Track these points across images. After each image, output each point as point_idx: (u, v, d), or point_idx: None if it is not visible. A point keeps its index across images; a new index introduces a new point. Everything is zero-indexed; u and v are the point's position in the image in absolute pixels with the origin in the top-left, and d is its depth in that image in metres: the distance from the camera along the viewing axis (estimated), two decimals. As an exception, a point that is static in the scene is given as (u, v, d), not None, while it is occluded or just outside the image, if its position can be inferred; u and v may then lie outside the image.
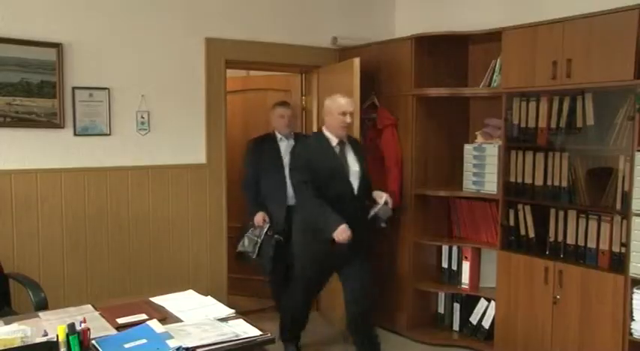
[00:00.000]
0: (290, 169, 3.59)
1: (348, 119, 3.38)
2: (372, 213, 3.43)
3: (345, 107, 3.38)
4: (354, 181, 3.39)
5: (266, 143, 4.18)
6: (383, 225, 3.51)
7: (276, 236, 3.95)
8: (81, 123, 3.58)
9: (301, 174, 3.36)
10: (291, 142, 4.19)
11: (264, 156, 4.12)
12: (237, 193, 4.26)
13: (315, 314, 4.51)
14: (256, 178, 4.10)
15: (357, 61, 3.88)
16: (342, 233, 3.20)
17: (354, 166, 3.43)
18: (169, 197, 3.94)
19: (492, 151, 3.73)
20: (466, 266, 4.00)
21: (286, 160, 3.95)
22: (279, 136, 4.19)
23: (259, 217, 4.02)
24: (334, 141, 3.42)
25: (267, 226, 3.99)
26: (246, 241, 4.01)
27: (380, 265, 4.30)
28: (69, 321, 2.05)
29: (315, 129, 4.59)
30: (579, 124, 3.26)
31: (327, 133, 3.44)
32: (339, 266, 3.47)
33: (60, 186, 3.55)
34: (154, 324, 2.22)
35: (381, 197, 3.44)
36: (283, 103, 4.28)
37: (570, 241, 3.30)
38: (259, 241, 3.96)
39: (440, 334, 4.10)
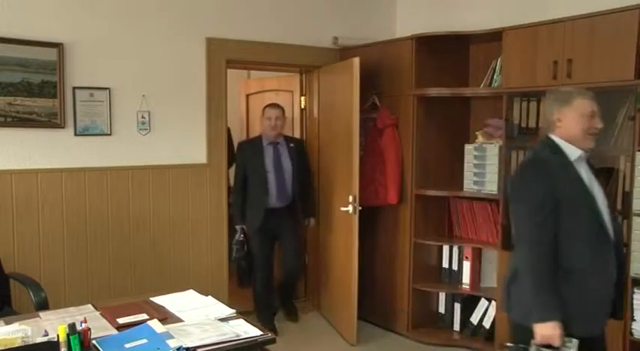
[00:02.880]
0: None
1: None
2: None
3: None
4: None
5: (251, 148, 4.17)
6: None
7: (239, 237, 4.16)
8: (81, 123, 3.59)
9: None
10: (283, 146, 4.19)
11: (249, 161, 4.12)
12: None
13: (316, 314, 4.52)
14: (243, 182, 4.14)
15: (356, 60, 3.88)
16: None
17: None
18: (170, 197, 3.94)
19: (493, 151, 3.73)
20: (467, 266, 4.00)
21: (270, 166, 4.09)
22: (264, 141, 4.15)
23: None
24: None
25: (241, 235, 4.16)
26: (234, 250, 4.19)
27: (380, 265, 4.31)
28: (69, 321, 2.06)
29: (316, 131, 4.60)
30: (580, 124, 3.26)
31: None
32: None
33: (60, 186, 3.55)
34: (155, 324, 2.22)
35: None
36: (273, 105, 4.22)
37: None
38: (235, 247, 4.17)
39: (440, 334, 4.10)
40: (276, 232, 4.17)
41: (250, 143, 4.27)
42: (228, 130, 4.66)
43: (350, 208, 3.90)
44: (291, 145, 4.24)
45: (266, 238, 4.14)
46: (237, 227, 4.15)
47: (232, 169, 4.40)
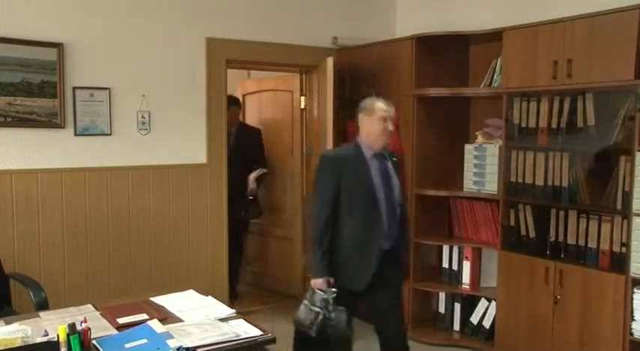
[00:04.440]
0: None
1: None
2: None
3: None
4: None
5: (351, 160, 3.20)
6: None
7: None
8: (81, 123, 3.59)
9: None
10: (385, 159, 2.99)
11: (347, 180, 3.02)
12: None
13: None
14: (334, 212, 2.87)
15: (330, 60, 3.92)
16: None
17: None
18: (170, 197, 3.94)
19: (493, 151, 3.73)
20: (467, 266, 4.00)
21: (380, 188, 2.86)
22: (366, 151, 2.90)
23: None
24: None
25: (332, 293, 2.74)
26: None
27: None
28: (69, 321, 2.06)
29: (315, 131, 4.60)
30: (580, 124, 3.26)
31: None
32: None
33: (60, 186, 3.55)
34: (155, 324, 2.22)
35: None
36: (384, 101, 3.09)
37: (571, 241, 3.30)
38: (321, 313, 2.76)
39: (440, 334, 4.10)
40: (371, 289, 2.86)
41: (347, 154, 2.93)
42: (260, 132, 4.85)
43: None
44: (394, 159, 3.03)
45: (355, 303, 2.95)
46: (319, 282, 2.76)
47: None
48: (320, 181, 2.88)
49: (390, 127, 2.84)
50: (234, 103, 4.69)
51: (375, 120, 2.84)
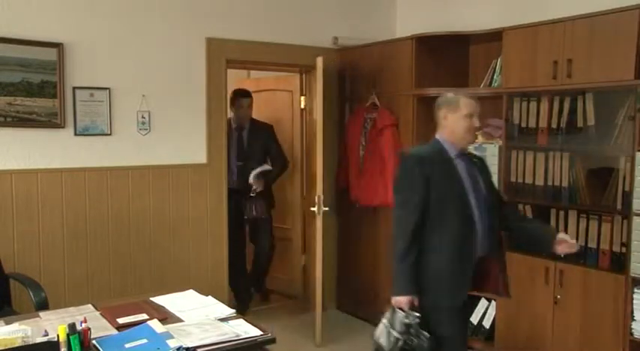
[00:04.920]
0: None
1: None
2: None
3: None
4: None
5: (436, 162, 2.98)
6: None
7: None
8: (81, 123, 3.59)
9: None
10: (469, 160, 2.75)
11: (436, 185, 2.85)
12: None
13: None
14: (421, 220, 2.56)
15: (319, 59, 3.93)
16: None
17: None
18: (170, 197, 3.94)
19: (493, 151, 3.72)
20: (467, 266, 3.99)
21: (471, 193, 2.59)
22: (451, 151, 2.68)
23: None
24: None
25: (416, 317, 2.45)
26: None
27: (381, 265, 4.30)
28: (69, 321, 2.06)
29: (313, 130, 4.59)
30: (580, 124, 3.26)
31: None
32: None
33: (60, 186, 3.55)
34: (155, 324, 2.22)
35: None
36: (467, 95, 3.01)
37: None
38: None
39: (440, 334, 4.09)
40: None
41: (432, 153, 2.65)
42: (272, 127, 4.71)
43: (315, 209, 3.96)
44: (475, 159, 2.76)
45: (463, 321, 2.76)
46: (403, 300, 2.44)
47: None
48: (404, 182, 2.53)
49: (477, 123, 2.59)
50: (246, 95, 4.59)
51: (460, 117, 2.58)
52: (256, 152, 4.56)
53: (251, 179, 4.48)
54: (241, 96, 4.56)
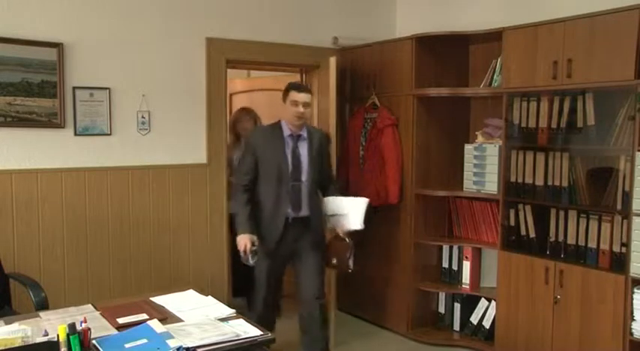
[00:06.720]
0: None
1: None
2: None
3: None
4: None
5: None
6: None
7: None
8: (81, 123, 3.59)
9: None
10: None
11: None
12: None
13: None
14: None
15: (332, 60, 3.91)
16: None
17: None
18: (170, 197, 3.94)
19: (493, 151, 3.73)
20: (467, 266, 4.00)
21: None
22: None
23: None
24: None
25: None
26: None
27: (381, 264, 4.31)
28: (69, 321, 2.05)
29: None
30: (580, 124, 3.26)
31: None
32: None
33: (60, 186, 3.55)
34: (155, 324, 2.22)
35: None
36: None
37: (571, 241, 3.30)
38: None
39: (440, 334, 4.10)
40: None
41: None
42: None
43: None
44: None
45: None
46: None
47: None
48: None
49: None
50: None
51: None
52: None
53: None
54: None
